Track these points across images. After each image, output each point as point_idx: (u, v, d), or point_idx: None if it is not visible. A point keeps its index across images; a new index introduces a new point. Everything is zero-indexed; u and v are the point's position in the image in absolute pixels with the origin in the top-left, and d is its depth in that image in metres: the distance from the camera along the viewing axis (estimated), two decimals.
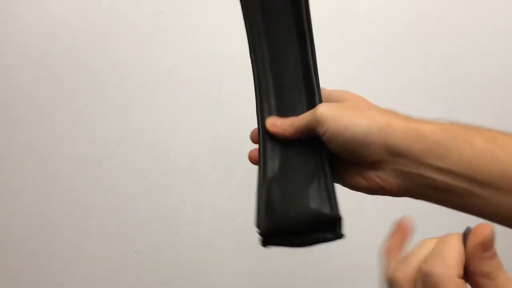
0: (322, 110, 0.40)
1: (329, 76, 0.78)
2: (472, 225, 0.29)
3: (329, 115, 0.40)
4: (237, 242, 0.89)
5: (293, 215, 0.39)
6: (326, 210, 0.39)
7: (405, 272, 0.30)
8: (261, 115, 0.44)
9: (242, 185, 0.85)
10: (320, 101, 0.43)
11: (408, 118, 0.39)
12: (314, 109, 0.41)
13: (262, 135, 0.44)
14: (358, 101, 0.42)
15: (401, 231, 0.35)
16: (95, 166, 0.84)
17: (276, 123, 0.43)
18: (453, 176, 0.36)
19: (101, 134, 0.83)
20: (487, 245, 0.28)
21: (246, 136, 0.48)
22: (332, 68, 0.80)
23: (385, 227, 0.36)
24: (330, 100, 0.44)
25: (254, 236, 0.41)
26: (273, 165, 0.42)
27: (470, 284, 0.28)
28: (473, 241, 0.28)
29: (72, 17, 0.81)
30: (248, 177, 0.84)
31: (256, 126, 0.45)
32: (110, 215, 0.86)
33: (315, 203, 0.39)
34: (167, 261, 0.88)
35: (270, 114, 0.44)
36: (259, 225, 0.40)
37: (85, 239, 0.86)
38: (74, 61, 0.81)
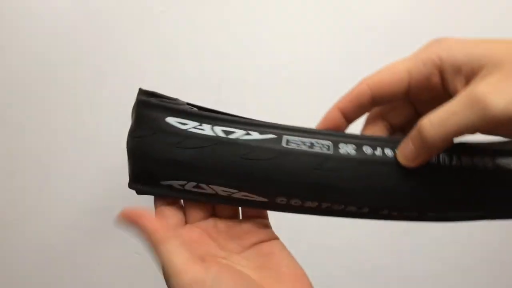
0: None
1: (327, 76, 0.78)
2: None
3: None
4: None
5: None
6: None
7: None
8: None
9: None
10: None
11: None
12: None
13: None
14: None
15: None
16: (95, 165, 0.84)
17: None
18: None
19: (101, 133, 0.83)
20: None
21: None
22: (331, 67, 0.80)
23: None
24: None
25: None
26: None
27: None
28: None
29: (71, 17, 0.81)
30: None
31: None
32: (110, 215, 0.85)
33: None
34: None
35: None
36: None
37: (85, 239, 0.86)
38: (74, 61, 0.81)
